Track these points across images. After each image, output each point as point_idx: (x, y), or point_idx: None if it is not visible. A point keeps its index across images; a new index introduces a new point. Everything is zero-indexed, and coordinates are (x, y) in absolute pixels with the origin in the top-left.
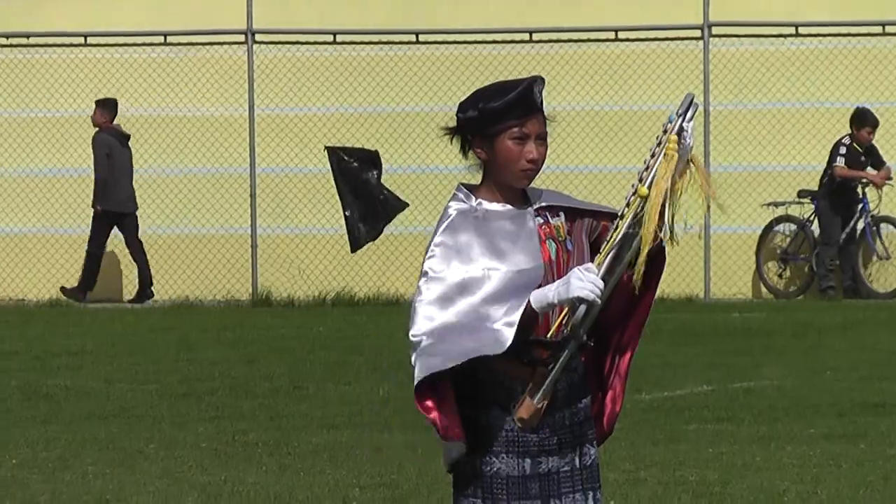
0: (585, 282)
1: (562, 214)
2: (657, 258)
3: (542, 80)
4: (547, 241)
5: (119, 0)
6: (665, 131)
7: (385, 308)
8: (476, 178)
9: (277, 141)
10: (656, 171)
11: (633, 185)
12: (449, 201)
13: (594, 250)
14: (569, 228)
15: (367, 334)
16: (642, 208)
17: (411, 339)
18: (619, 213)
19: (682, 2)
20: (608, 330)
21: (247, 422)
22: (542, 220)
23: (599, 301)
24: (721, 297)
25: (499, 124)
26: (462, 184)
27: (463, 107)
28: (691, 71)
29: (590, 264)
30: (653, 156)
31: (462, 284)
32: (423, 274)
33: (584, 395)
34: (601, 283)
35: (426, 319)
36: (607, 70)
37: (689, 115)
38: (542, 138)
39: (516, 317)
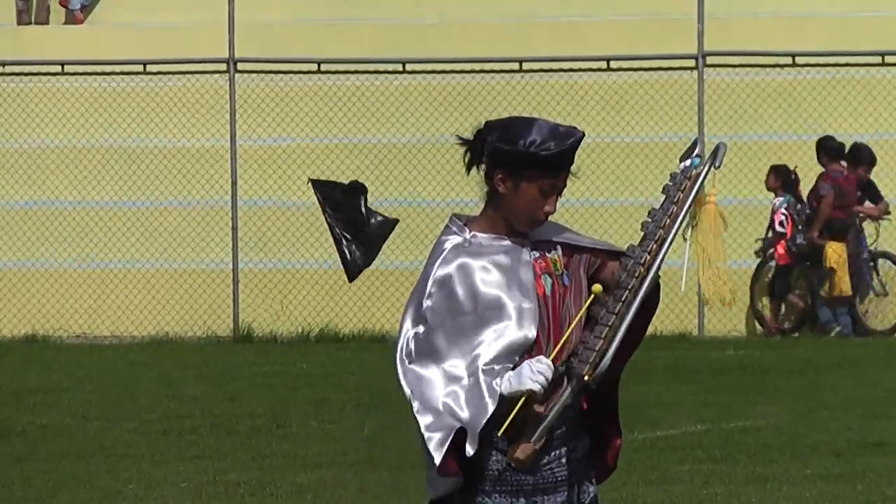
0: (535, 373)
1: (559, 248)
2: (652, 295)
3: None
4: (543, 276)
5: (97, 28)
6: (687, 176)
7: (370, 344)
8: (467, 210)
9: (260, 173)
10: (699, 226)
11: (648, 230)
12: (442, 234)
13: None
14: (566, 262)
15: (351, 371)
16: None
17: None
18: (640, 259)
19: (676, 31)
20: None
21: (228, 461)
22: (538, 254)
23: (543, 392)
24: (715, 334)
25: (536, 170)
26: (455, 215)
27: (499, 133)
28: (685, 102)
29: (541, 357)
30: (675, 202)
31: (455, 343)
32: (422, 318)
33: (582, 431)
34: (549, 374)
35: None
36: (599, 101)
37: (718, 160)
38: (561, 192)
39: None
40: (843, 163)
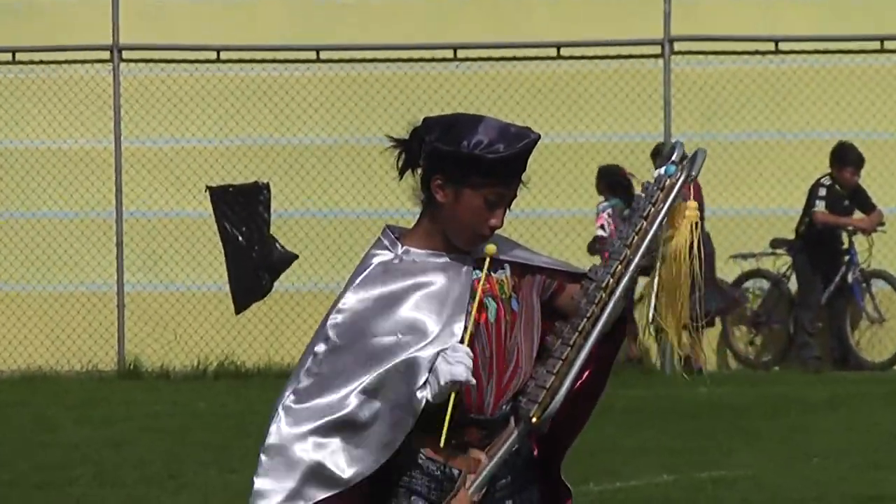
0: (453, 363)
1: (507, 267)
2: (618, 324)
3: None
4: (486, 299)
5: None
6: (661, 187)
7: (277, 381)
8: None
9: (150, 179)
10: (676, 242)
11: (613, 249)
12: (371, 248)
13: (549, 313)
14: (515, 284)
15: (256, 411)
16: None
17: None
18: (602, 283)
19: (638, 12)
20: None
21: None
22: (481, 274)
23: (474, 380)
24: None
25: (482, 176)
26: (389, 227)
27: (439, 131)
28: (649, 95)
29: (455, 344)
30: (645, 216)
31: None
32: (325, 337)
33: (529, 482)
34: (469, 359)
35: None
36: (547, 94)
37: (695, 169)
38: (510, 204)
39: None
40: None
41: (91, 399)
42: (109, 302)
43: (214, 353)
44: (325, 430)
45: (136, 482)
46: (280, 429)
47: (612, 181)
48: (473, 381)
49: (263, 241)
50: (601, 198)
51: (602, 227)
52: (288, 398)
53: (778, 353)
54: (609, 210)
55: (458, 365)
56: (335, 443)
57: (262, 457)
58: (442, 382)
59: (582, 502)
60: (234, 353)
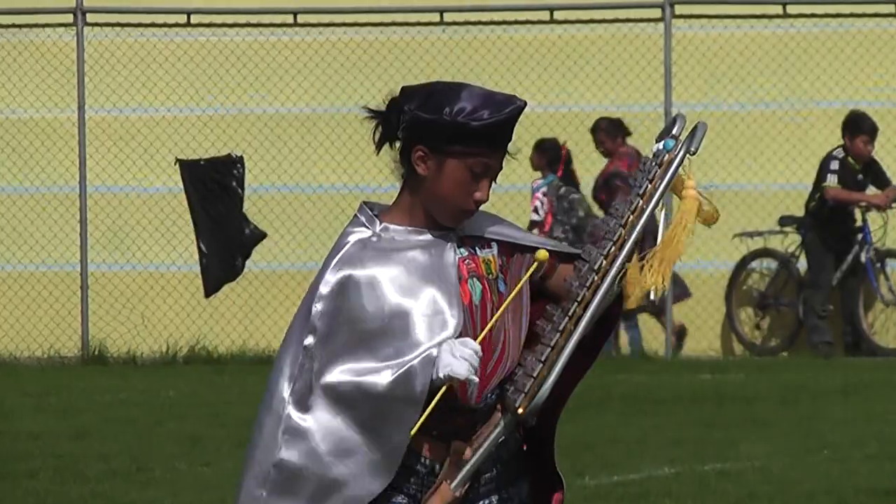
0: (458, 358)
1: (494, 246)
2: (610, 309)
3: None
4: (469, 280)
5: None
6: (659, 163)
7: (252, 367)
8: (378, 198)
9: (115, 152)
10: (672, 220)
11: (608, 229)
12: (347, 226)
13: (538, 294)
14: (501, 264)
15: (229, 400)
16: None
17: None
18: (595, 265)
19: None
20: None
21: None
22: (465, 253)
23: (476, 379)
24: (686, 354)
25: (466, 145)
26: (365, 203)
27: (419, 100)
28: (648, 62)
29: (466, 339)
30: (642, 194)
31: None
32: (311, 327)
33: (517, 476)
34: (477, 359)
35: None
36: (540, 61)
37: (695, 144)
38: (496, 176)
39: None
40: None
41: (52, 387)
42: (72, 283)
43: (185, 338)
44: (340, 449)
45: (100, 476)
46: (297, 447)
47: (553, 155)
48: (476, 381)
49: (237, 218)
50: (537, 174)
51: (536, 209)
52: (289, 408)
53: (786, 338)
54: (544, 188)
55: (461, 361)
56: (354, 461)
57: (280, 477)
58: (441, 375)
59: (576, 497)
60: (205, 338)
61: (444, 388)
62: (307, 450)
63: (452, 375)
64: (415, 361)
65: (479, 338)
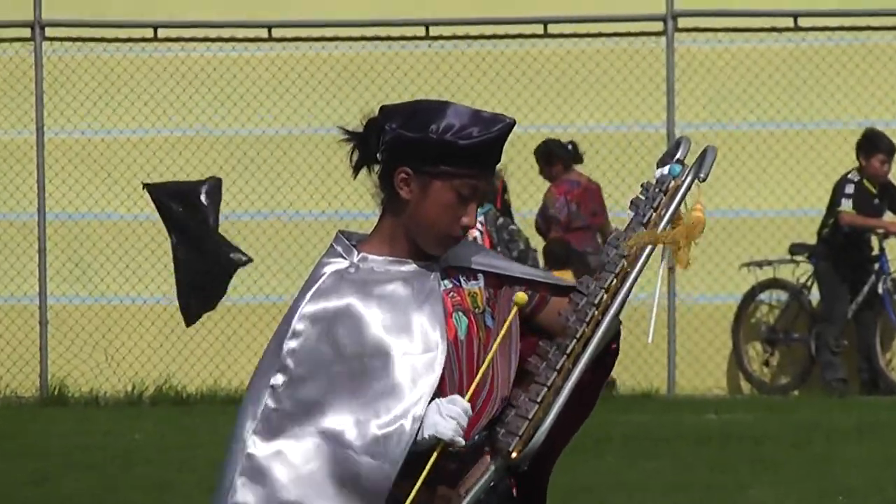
0: (445, 418)
1: (480, 278)
2: (610, 347)
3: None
4: (455, 314)
5: None
6: (664, 190)
7: (223, 407)
8: (358, 226)
9: (76, 176)
10: (673, 239)
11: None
12: (323, 256)
13: (528, 329)
14: (489, 297)
15: (199, 444)
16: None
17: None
18: (595, 298)
19: None
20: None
21: None
22: (450, 285)
23: (463, 441)
24: (690, 392)
25: (453, 165)
26: (341, 231)
27: (402, 119)
28: (649, 78)
29: (455, 397)
30: (645, 222)
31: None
32: (281, 365)
33: None
34: (466, 418)
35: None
36: (533, 77)
37: (704, 170)
38: (483, 200)
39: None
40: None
41: (9, 430)
42: (30, 317)
43: (151, 376)
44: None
45: None
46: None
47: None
48: (462, 443)
49: (215, 242)
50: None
51: (475, 239)
52: (249, 449)
53: (797, 375)
54: (481, 218)
55: (448, 421)
56: None
57: None
58: (426, 435)
59: None
60: (173, 376)
61: (435, 455)
62: (265, 494)
63: (438, 436)
64: (397, 424)
65: (468, 395)
